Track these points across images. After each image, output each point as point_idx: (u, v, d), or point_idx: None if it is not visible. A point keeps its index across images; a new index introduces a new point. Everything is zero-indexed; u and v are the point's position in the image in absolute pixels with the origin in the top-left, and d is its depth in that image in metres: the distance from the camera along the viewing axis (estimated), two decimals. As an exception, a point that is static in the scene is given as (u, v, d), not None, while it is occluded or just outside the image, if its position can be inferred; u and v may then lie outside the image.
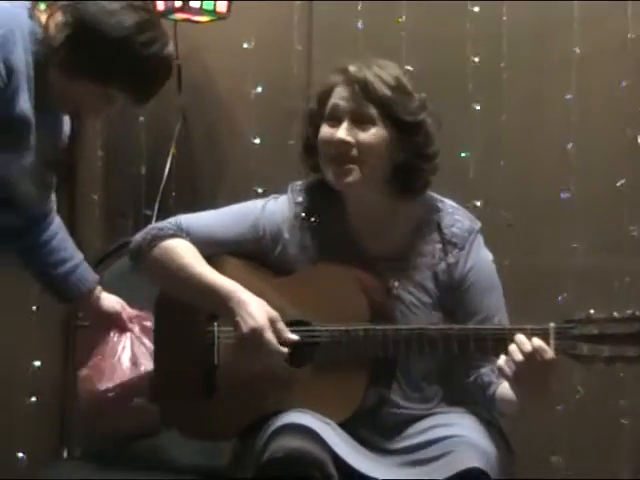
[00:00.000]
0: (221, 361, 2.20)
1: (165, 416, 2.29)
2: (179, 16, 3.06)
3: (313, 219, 2.24)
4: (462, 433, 2.07)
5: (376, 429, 2.15)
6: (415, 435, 2.15)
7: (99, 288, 2.40)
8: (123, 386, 2.40)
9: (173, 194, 3.19)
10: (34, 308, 3.04)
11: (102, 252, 2.73)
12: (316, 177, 2.25)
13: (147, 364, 2.38)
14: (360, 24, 3.12)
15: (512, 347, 1.97)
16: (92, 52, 2.03)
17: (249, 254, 2.24)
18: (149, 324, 2.42)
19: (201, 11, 3.06)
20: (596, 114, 3.05)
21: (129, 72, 2.06)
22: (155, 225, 2.28)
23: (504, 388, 2.10)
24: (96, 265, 2.61)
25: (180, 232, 2.22)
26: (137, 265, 2.26)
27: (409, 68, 2.97)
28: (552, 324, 1.98)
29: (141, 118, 3.18)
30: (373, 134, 2.14)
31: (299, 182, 2.27)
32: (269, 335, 2.09)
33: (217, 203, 2.36)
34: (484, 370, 2.15)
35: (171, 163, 3.19)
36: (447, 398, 2.21)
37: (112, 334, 2.46)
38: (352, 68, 2.16)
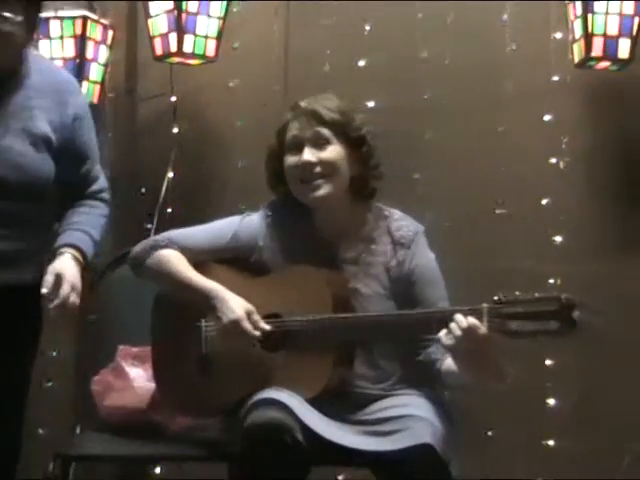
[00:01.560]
0: (209, 350, 2.43)
1: (163, 397, 2.53)
2: (174, 59, 3.27)
3: (282, 229, 2.44)
4: (416, 413, 2.25)
5: (339, 405, 2.31)
6: (374, 412, 2.32)
7: (69, 254, 2.44)
8: (125, 408, 2.61)
9: (169, 210, 3.37)
10: (51, 306, 3.24)
11: (107, 260, 2.90)
12: (284, 195, 2.45)
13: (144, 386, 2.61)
14: (327, 67, 3.35)
15: (452, 325, 2.14)
16: None
17: (231, 260, 2.45)
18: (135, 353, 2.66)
19: (193, 55, 3.25)
20: (525, 144, 3.30)
21: None
22: (151, 238, 2.51)
23: (448, 363, 2.28)
24: (101, 274, 2.84)
25: (172, 244, 2.45)
26: (136, 271, 2.50)
27: (370, 104, 3.24)
28: (485, 304, 2.14)
29: (143, 144, 3.43)
30: (331, 151, 2.36)
31: (269, 201, 2.50)
32: (246, 324, 2.31)
33: (207, 218, 2.55)
34: (431, 349, 2.34)
35: (167, 184, 3.38)
36: (403, 379, 2.38)
37: (119, 359, 2.67)
38: (302, 103, 2.39)
